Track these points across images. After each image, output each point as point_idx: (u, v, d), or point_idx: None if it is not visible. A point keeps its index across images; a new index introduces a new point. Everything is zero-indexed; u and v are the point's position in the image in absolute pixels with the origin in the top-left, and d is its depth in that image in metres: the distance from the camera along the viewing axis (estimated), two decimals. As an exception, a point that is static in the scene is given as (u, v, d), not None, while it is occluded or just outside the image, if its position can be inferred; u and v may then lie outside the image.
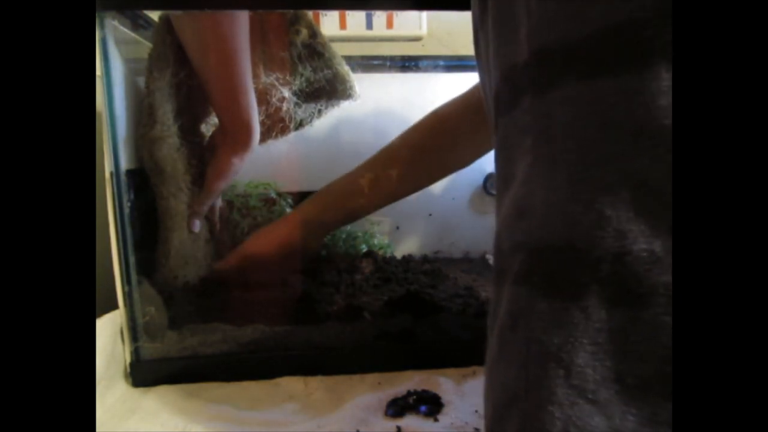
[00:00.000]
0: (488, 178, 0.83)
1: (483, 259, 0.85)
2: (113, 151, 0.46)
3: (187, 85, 0.54)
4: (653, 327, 0.18)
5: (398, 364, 0.50)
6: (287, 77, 0.59)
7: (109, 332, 0.50)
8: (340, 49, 0.61)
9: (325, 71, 0.60)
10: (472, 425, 0.40)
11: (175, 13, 0.49)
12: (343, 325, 0.52)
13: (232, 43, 0.50)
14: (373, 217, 0.78)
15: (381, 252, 0.79)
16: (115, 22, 0.47)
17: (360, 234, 0.79)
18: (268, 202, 0.72)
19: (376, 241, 0.80)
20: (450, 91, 0.65)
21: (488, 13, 0.26)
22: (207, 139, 0.61)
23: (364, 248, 0.78)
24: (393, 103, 0.79)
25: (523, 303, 0.22)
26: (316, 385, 0.47)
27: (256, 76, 0.56)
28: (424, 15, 0.76)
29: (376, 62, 0.76)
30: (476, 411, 0.42)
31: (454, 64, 0.78)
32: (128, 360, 0.48)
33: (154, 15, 0.52)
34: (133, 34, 0.51)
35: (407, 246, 0.85)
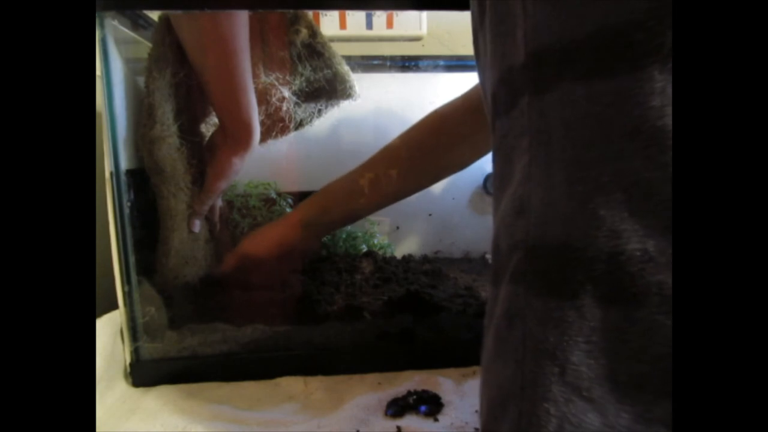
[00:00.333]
0: (488, 178, 0.83)
1: (483, 259, 0.85)
2: (113, 151, 0.46)
3: (187, 85, 0.54)
4: (647, 326, 0.18)
5: (398, 364, 0.50)
6: (287, 77, 0.59)
7: (109, 332, 0.50)
8: (340, 49, 0.61)
9: (325, 71, 0.60)
10: (472, 425, 0.40)
11: (175, 13, 0.49)
12: (343, 325, 0.52)
13: (232, 43, 0.50)
14: (373, 217, 0.78)
15: (381, 252, 0.79)
16: (115, 22, 0.47)
17: (360, 234, 0.79)
18: (268, 202, 0.72)
19: (376, 241, 0.80)
20: (450, 91, 0.65)
21: (486, 14, 0.26)
22: (207, 139, 0.61)
23: (364, 248, 0.78)
24: (393, 103, 0.79)
25: (519, 302, 0.22)
26: (316, 385, 0.47)
27: (256, 75, 0.56)
28: (424, 15, 0.76)
29: (376, 62, 0.76)
30: (476, 411, 0.42)
31: (454, 64, 0.78)
32: (128, 360, 0.48)
33: (154, 15, 0.52)
34: (133, 34, 0.51)
35: (407, 246, 0.85)
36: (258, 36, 0.56)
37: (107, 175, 0.46)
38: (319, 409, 0.43)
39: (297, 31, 0.57)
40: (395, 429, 0.39)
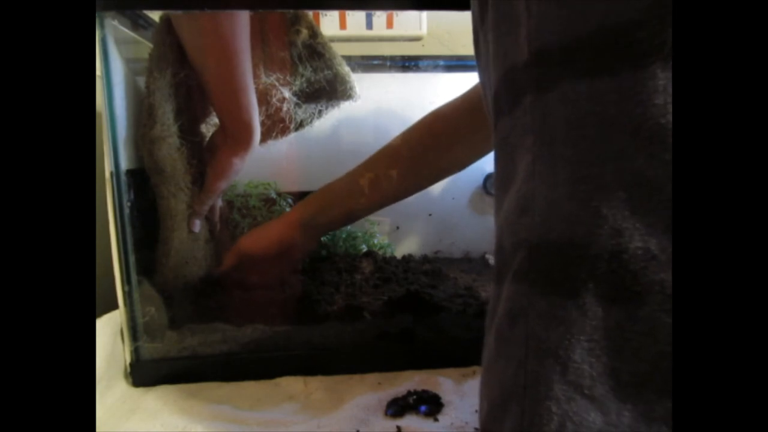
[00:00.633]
0: (488, 178, 0.83)
1: (483, 259, 0.85)
2: (113, 151, 0.46)
3: (187, 85, 0.54)
4: (648, 324, 0.18)
5: (398, 364, 0.50)
6: (287, 77, 0.59)
7: (109, 332, 0.50)
8: (340, 49, 0.61)
9: (326, 71, 0.60)
10: (472, 425, 0.40)
11: (175, 14, 0.49)
12: (343, 325, 0.52)
13: (232, 43, 0.50)
14: (373, 217, 0.78)
15: (381, 252, 0.79)
16: (115, 22, 0.47)
17: (360, 234, 0.79)
18: (268, 202, 0.72)
19: (376, 241, 0.80)
20: (450, 91, 0.65)
21: (488, 13, 0.26)
22: (207, 139, 0.61)
23: (364, 248, 0.78)
24: (393, 103, 0.79)
25: (522, 300, 0.22)
26: (316, 385, 0.47)
27: (256, 76, 0.56)
28: (424, 15, 0.76)
29: (376, 62, 0.76)
30: (476, 411, 0.42)
31: (454, 64, 0.78)
32: (128, 360, 0.48)
33: (154, 15, 0.52)
34: (133, 34, 0.51)
35: (407, 246, 0.85)
36: (258, 36, 0.56)
37: (107, 175, 0.46)
38: (319, 409, 0.43)
39: (297, 32, 0.57)
40: (395, 429, 0.39)
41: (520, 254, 0.23)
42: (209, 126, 0.63)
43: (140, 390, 0.47)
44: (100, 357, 0.47)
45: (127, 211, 0.47)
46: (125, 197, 0.47)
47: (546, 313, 0.21)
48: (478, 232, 0.85)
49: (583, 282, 0.20)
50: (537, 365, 0.21)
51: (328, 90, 0.62)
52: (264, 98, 0.58)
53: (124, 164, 0.48)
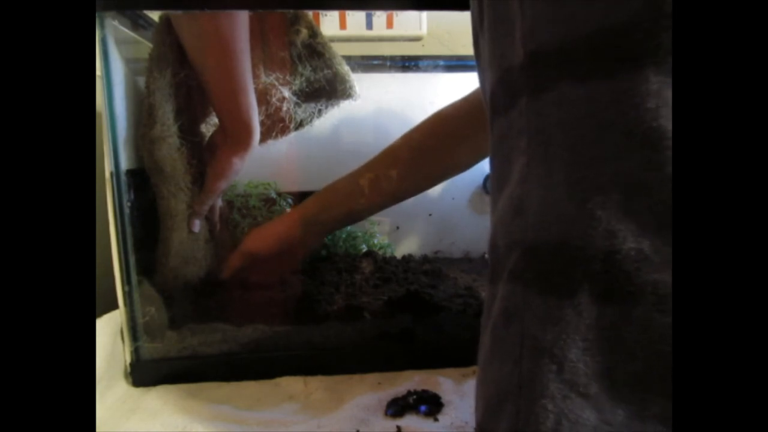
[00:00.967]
0: (488, 178, 0.82)
1: (483, 259, 0.85)
2: (113, 151, 0.46)
3: (187, 85, 0.54)
4: (642, 324, 0.18)
5: (398, 364, 0.50)
6: (287, 77, 0.59)
7: (109, 332, 0.50)
8: (340, 49, 0.61)
9: (325, 71, 0.60)
10: (472, 425, 0.40)
11: (175, 14, 0.49)
12: (343, 325, 0.52)
13: (232, 43, 0.50)
14: (373, 217, 0.78)
15: (381, 252, 0.79)
16: (115, 22, 0.47)
17: (360, 234, 0.79)
18: (268, 202, 0.72)
19: (376, 241, 0.80)
20: (450, 91, 0.65)
21: (485, 14, 0.26)
22: (207, 139, 0.61)
23: (364, 248, 0.78)
24: (393, 103, 0.79)
25: (517, 300, 0.22)
26: (316, 385, 0.47)
27: (256, 76, 0.56)
28: (424, 15, 0.76)
29: (376, 62, 0.76)
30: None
31: (454, 64, 0.78)
32: (128, 360, 0.48)
33: (154, 15, 0.52)
34: (133, 34, 0.51)
35: (407, 246, 0.85)
36: (258, 36, 0.56)
37: (107, 175, 0.46)
38: (319, 409, 0.43)
39: (297, 32, 0.57)
40: (395, 429, 0.39)
41: (514, 254, 0.23)
42: (209, 126, 0.63)
43: (140, 390, 0.47)
44: (100, 357, 0.47)
45: (127, 211, 0.47)
46: (125, 197, 0.47)
47: (541, 313, 0.21)
48: (478, 232, 0.85)
49: (578, 282, 0.20)
50: (532, 364, 0.21)
51: (328, 89, 0.62)
52: (264, 98, 0.58)
53: (124, 164, 0.48)
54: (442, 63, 0.78)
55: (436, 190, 0.83)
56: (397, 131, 0.66)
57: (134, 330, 0.48)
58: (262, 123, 0.57)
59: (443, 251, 0.86)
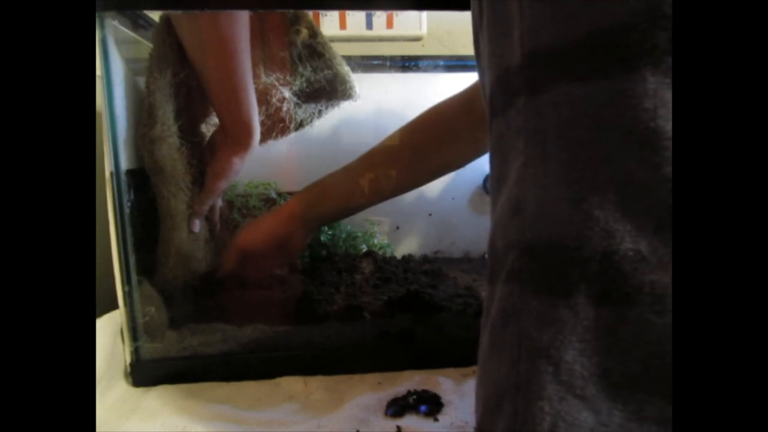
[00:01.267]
0: (488, 178, 0.83)
1: (483, 259, 0.85)
2: (113, 151, 0.46)
3: (188, 85, 0.54)
4: (639, 325, 0.18)
5: (398, 364, 0.50)
6: (287, 77, 0.59)
7: (109, 332, 0.50)
8: (340, 49, 0.61)
9: (325, 71, 0.60)
10: (472, 425, 0.40)
11: (175, 14, 0.49)
12: (343, 325, 0.52)
13: (232, 43, 0.50)
14: (373, 217, 0.78)
15: (381, 252, 0.79)
16: (115, 22, 0.47)
17: (360, 234, 0.79)
18: (268, 202, 0.72)
19: (376, 241, 0.80)
20: (450, 91, 0.65)
21: (484, 14, 0.26)
22: (207, 139, 0.61)
23: (364, 248, 0.78)
24: (393, 103, 0.79)
25: (514, 300, 0.22)
26: (316, 385, 0.47)
27: (256, 76, 0.56)
28: (424, 15, 0.76)
29: (376, 62, 0.76)
30: (475, 411, 0.42)
31: (454, 64, 0.78)
32: (128, 360, 0.48)
33: (154, 15, 0.52)
34: (133, 34, 0.51)
35: (407, 246, 0.85)
36: (258, 36, 0.56)
37: (107, 175, 0.46)
38: (319, 409, 0.43)
39: (297, 32, 0.57)
40: (395, 429, 0.39)
41: (512, 255, 0.23)
42: (209, 126, 0.63)
43: (140, 390, 0.47)
44: (100, 357, 0.47)
45: (127, 211, 0.47)
46: (125, 197, 0.47)
47: (538, 314, 0.21)
48: (478, 232, 0.85)
49: (575, 283, 0.20)
50: (529, 365, 0.21)
51: (328, 90, 0.62)
52: (264, 98, 0.58)
53: (124, 164, 0.48)
54: (442, 63, 0.78)
55: (436, 190, 0.83)
56: (397, 131, 0.66)
57: (134, 330, 0.48)
58: (262, 123, 0.57)
59: (443, 251, 0.86)
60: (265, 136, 0.62)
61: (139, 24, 0.52)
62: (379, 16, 0.75)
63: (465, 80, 0.72)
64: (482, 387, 0.25)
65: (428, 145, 0.63)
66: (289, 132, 0.64)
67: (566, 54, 0.20)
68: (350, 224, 0.79)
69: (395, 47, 0.78)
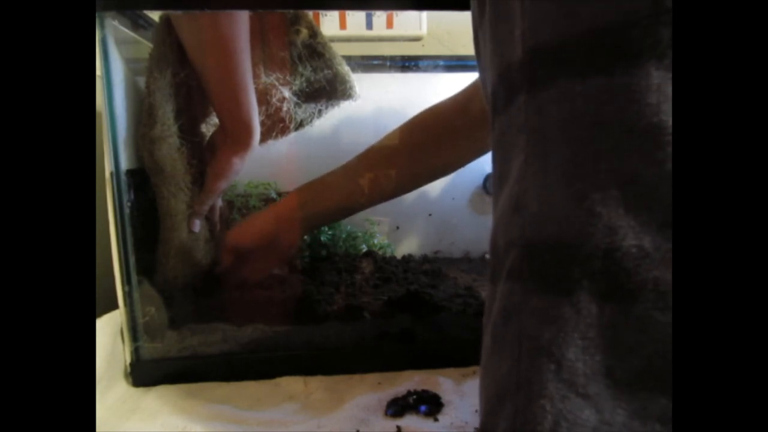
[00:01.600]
0: (488, 178, 0.83)
1: (483, 259, 0.85)
2: (113, 151, 0.46)
3: (188, 85, 0.54)
4: (642, 322, 0.18)
5: (398, 364, 0.50)
6: (287, 77, 0.59)
7: (109, 332, 0.50)
8: (340, 49, 0.61)
9: (325, 71, 0.60)
10: (472, 425, 0.40)
11: (175, 14, 0.49)
12: (343, 325, 0.52)
13: (232, 43, 0.50)
14: (373, 217, 0.78)
15: (381, 252, 0.79)
16: (115, 22, 0.47)
17: (360, 234, 0.79)
18: (268, 202, 0.72)
19: (376, 241, 0.80)
20: (450, 91, 0.65)
21: (486, 12, 0.26)
22: (207, 139, 0.61)
23: (364, 248, 0.78)
24: (393, 103, 0.79)
25: (516, 298, 0.22)
26: (316, 385, 0.47)
27: (256, 76, 0.56)
28: (424, 15, 0.76)
29: (376, 62, 0.76)
30: (476, 411, 0.42)
31: (454, 64, 0.78)
32: (128, 360, 0.48)
33: (154, 15, 0.52)
34: (133, 34, 0.51)
35: (407, 246, 0.85)
36: (258, 36, 0.56)
37: (107, 175, 0.46)
38: (319, 409, 0.43)
39: (297, 32, 0.57)
40: (395, 429, 0.39)
41: (513, 253, 0.23)
42: (209, 126, 0.63)
43: (140, 390, 0.47)
44: (100, 357, 0.47)
45: (127, 211, 0.47)
46: (125, 197, 0.47)
47: (539, 312, 0.21)
48: (478, 232, 0.85)
49: (577, 280, 0.20)
50: (531, 364, 0.21)
51: (328, 89, 0.62)
52: (264, 98, 0.58)
53: (124, 164, 0.48)
54: (442, 63, 0.78)
55: (436, 190, 0.83)
56: (397, 131, 0.65)
57: (134, 330, 0.48)
58: (262, 123, 0.57)
59: (443, 251, 0.86)
60: (265, 136, 0.62)
61: (139, 24, 0.52)
62: (379, 16, 0.75)
63: (465, 80, 0.72)
64: (484, 386, 0.25)
65: (426, 144, 0.63)
66: (289, 132, 0.64)
67: (567, 50, 0.20)
68: (350, 224, 0.79)
69: (395, 47, 0.78)
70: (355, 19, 0.74)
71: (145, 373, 0.48)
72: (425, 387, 0.45)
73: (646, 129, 0.18)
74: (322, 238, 0.75)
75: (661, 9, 0.18)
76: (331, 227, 0.76)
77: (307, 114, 0.65)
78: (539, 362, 0.21)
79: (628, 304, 0.19)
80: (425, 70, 0.79)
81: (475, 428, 0.40)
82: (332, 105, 0.65)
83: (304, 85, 0.60)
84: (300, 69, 0.59)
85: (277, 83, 0.58)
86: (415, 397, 0.43)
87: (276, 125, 0.62)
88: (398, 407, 0.42)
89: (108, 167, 0.46)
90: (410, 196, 0.69)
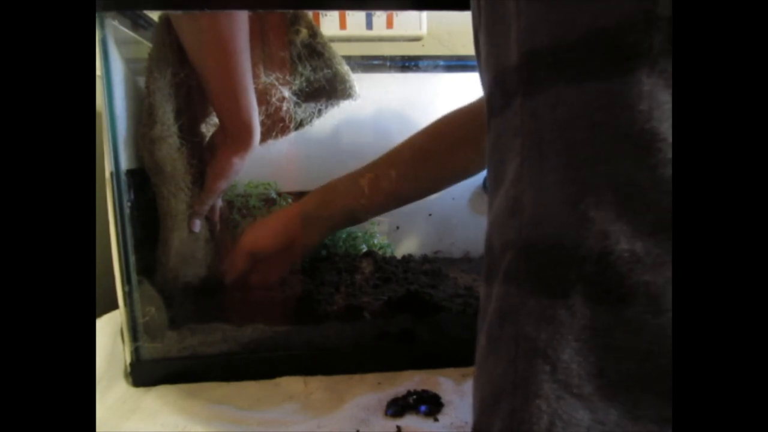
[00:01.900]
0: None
1: (483, 259, 0.84)
2: (113, 151, 0.46)
3: (188, 85, 0.54)
4: (635, 325, 0.19)
5: (398, 364, 0.50)
6: (287, 77, 0.59)
7: (109, 332, 0.50)
8: (340, 49, 0.61)
9: (325, 71, 0.60)
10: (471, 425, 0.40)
11: (175, 14, 0.49)
12: (343, 325, 0.52)
13: (232, 43, 0.50)
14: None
15: (381, 252, 0.79)
16: (115, 22, 0.47)
17: (360, 234, 0.79)
18: (268, 202, 0.72)
19: (376, 241, 0.80)
20: (450, 91, 0.65)
21: (482, 14, 0.26)
22: (207, 139, 0.61)
23: (364, 248, 0.78)
24: (393, 103, 0.79)
25: (512, 300, 0.23)
26: (316, 385, 0.47)
27: (256, 76, 0.56)
28: (424, 15, 0.76)
29: (376, 62, 0.76)
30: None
31: (454, 64, 0.78)
32: (128, 360, 0.48)
33: (154, 15, 0.53)
34: (133, 34, 0.51)
35: (407, 246, 0.85)
36: (258, 36, 0.56)
37: (107, 175, 0.46)
38: (319, 409, 0.43)
39: (297, 31, 0.57)
40: (395, 429, 0.39)
41: (509, 255, 0.23)
42: (209, 126, 0.63)
43: (140, 390, 0.47)
44: (100, 357, 0.47)
45: (127, 211, 0.47)
46: (125, 197, 0.47)
47: (535, 313, 0.21)
48: (478, 232, 0.85)
49: (572, 283, 0.20)
50: (526, 364, 0.21)
51: (328, 89, 0.62)
52: (264, 98, 0.58)
53: (124, 164, 0.48)
54: (442, 63, 0.78)
55: (436, 190, 0.83)
56: (397, 131, 0.66)
57: (134, 330, 0.48)
58: (262, 123, 0.57)
59: (443, 251, 0.86)
60: (265, 136, 0.62)
61: (139, 24, 0.52)
62: (379, 16, 0.75)
63: (465, 80, 0.72)
64: (479, 386, 0.25)
65: (437, 152, 0.63)
66: (289, 132, 0.64)
67: (562, 55, 0.20)
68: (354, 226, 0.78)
69: (395, 47, 0.78)
70: (355, 19, 0.74)
71: (145, 373, 0.48)
72: (425, 387, 0.45)
73: (639, 135, 0.18)
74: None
75: (654, 15, 0.18)
76: (331, 227, 0.76)
77: (307, 114, 0.65)
78: (535, 363, 0.21)
79: (621, 308, 0.19)
80: (425, 70, 0.78)
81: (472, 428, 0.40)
82: (332, 105, 0.65)
83: (304, 84, 0.60)
84: (300, 69, 0.59)
85: (276, 83, 0.58)
86: (415, 397, 0.43)
87: (276, 125, 0.62)
88: (398, 407, 0.42)
89: (108, 167, 0.46)
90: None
